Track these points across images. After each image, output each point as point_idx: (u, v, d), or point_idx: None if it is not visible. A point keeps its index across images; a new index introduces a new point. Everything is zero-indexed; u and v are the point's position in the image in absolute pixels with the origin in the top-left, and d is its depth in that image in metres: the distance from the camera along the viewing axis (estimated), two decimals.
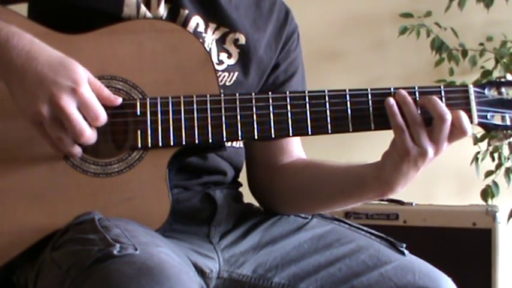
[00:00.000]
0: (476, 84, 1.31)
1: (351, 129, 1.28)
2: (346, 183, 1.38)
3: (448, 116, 1.24)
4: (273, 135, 1.28)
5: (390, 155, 1.27)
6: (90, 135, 1.19)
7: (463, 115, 1.25)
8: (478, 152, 2.74)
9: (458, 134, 1.25)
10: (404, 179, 1.27)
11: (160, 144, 1.25)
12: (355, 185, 1.36)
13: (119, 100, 1.24)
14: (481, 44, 2.91)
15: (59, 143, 1.19)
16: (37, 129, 1.19)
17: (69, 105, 1.16)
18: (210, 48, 1.38)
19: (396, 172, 1.27)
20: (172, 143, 1.25)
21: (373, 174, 1.31)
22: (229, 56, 1.41)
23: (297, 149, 1.52)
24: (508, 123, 1.30)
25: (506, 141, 1.33)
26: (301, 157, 1.52)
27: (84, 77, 1.19)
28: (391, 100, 1.26)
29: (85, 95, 1.17)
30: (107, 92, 1.22)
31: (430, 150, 1.24)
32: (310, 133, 1.28)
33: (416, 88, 1.28)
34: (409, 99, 1.26)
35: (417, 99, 1.27)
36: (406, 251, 1.39)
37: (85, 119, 1.18)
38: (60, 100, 1.15)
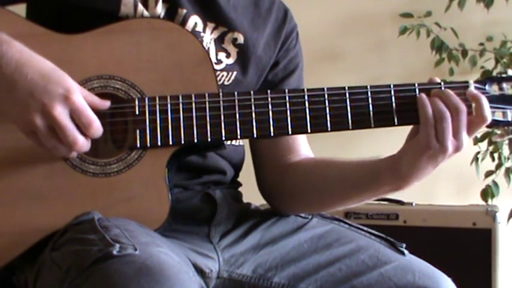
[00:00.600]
0: None
1: (350, 127, 1.28)
2: (359, 179, 1.37)
3: (463, 106, 1.23)
4: (271, 133, 1.27)
5: (410, 148, 1.26)
6: (82, 143, 1.18)
7: (484, 100, 1.25)
8: (478, 152, 2.74)
9: (479, 122, 1.25)
10: (421, 173, 1.27)
11: (159, 143, 1.25)
12: (369, 179, 1.35)
13: (106, 104, 1.23)
14: (481, 44, 2.90)
15: (54, 151, 1.19)
16: (30, 138, 1.18)
17: (62, 114, 1.15)
18: (209, 48, 1.38)
19: (414, 166, 1.26)
20: (171, 142, 1.25)
21: (388, 168, 1.30)
22: (228, 55, 1.41)
23: (303, 147, 1.51)
24: (509, 119, 1.30)
25: (507, 138, 1.32)
26: (308, 156, 1.51)
27: (75, 85, 1.18)
28: (423, 94, 1.26)
29: (77, 102, 1.16)
30: (95, 98, 1.22)
31: (451, 146, 1.23)
32: (309, 131, 1.27)
33: (416, 85, 1.28)
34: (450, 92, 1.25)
35: (417, 95, 1.27)
36: (406, 251, 1.38)
37: (78, 126, 1.17)
38: (52, 110, 1.15)
